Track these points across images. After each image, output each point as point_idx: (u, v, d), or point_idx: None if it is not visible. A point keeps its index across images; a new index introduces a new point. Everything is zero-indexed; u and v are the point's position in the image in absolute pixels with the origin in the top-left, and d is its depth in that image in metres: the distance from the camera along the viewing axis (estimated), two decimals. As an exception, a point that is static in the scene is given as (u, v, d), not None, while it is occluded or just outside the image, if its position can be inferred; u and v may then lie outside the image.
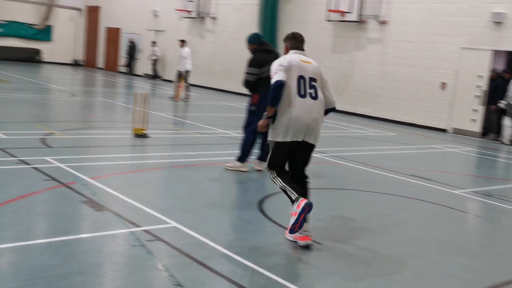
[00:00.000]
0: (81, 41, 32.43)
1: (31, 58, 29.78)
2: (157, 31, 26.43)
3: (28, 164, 6.58)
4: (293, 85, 4.70)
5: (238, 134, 7.63)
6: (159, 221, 4.94)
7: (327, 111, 4.98)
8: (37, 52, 30.32)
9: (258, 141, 7.65)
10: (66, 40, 31.70)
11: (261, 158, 7.66)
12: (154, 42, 25.67)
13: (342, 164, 8.76)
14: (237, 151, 7.59)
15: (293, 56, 4.89)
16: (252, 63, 7.36)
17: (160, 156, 8.21)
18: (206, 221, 5.13)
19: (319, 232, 5.02)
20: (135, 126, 9.43)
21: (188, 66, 17.26)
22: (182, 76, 17.08)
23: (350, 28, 17.64)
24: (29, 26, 30.40)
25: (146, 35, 27.05)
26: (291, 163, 4.89)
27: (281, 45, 19.56)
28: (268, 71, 6.94)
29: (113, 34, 29.54)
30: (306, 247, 4.61)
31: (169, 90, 20.07)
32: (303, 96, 4.72)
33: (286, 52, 5.04)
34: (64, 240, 4.26)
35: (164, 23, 25.94)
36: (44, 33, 30.95)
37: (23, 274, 3.57)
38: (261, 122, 4.83)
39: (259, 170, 7.59)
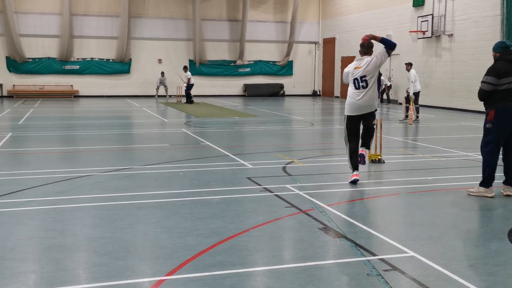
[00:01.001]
0: (318, 73, 34.04)
1: (276, 92, 32.32)
2: (391, 55, 26.23)
3: (271, 191, 7.06)
4: (351, 82, 7.70)
5: (481, 156, 7.04)
6: (396, 250, 4.80)
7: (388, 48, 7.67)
8: (280, 86, 32.79)
9: (501, 163, 6.95)
10: (305, 73, 33.65)
11: (509, 182, 6.93)
12: (380, 74, 25.62)
13: None
14: (480, 175, 7.00)
15: (351, 65, 7.86)
16: (490, 72, 6.72)
17: (396, 181, 8.03)
18: (447, 251, 4.82)
19: None
20: (370, 152, 9.42)
21: (416, 87, 16.90)
22: (411, 98, 16.76)
23: None
24: (273, 63, 33.10)
25: (380, 60, 27.06)
26: (355, 131, 7.78)
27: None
28: (509, 83, 6.37)
29: (348, 63, 30.20)
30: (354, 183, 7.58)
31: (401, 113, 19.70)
32: (356, 87, 7.64)
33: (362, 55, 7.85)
34: (302, 266, 4.43)
35: (398, 46, 25.57)
36: (285, 68, 33.39)
37: (266, 297, 3.80)
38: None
39: (508, 195, 6.87)
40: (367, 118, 7.71)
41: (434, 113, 20.32)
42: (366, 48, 7.74)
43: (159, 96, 29.22)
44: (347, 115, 7.75)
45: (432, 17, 22.67)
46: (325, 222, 5.64)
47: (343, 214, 5.95)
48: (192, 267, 4.36)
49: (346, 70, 7.96)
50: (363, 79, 7.57)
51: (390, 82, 25.70)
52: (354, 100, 7.62)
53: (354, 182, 7.57)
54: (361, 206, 6.55)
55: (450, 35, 22.07)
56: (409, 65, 17.54)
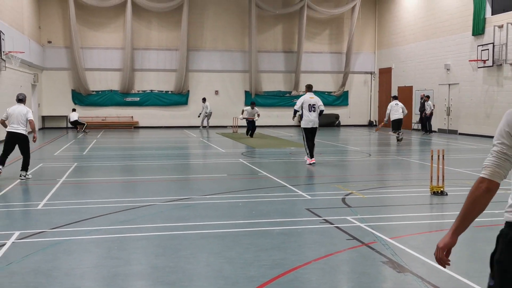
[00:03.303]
0: (374, 103, 33.75)
1: (331, 122, 32.17)
2: (450, 84, 25.77)
3: (331, 223, 7.01)
4: (306, 108, 13.31)
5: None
6: (464, 286, 4.65)
7: (320, 113, 13.49)
8: (336, 117, 32.64)
9: None
10: (360, 103, 33.48)
11: None
12: (425, 98, 25.29)
13: None
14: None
15: (306, 96, 13.54)
16: None
17: (461, 215, 7.78)
18: (519, 289, 4.61)
19: None
20: (432, 184, 9.22)
21: (394, 116, 20.02)
22: (383, 122, 21.43)
23: None
24: (328, 94, 33.09)
25: (439, 90, 26.61)
26: (311, 136, 13.47)
27: None
28: None
29: (405, 92, 29.90)
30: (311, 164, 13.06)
31: (464, 144, 19.19)
32: (310, 111, 13.34)
33: (306, 91, 13.81)
34: (367, 300, 4.35)
35: (457, 75, 25.17)
36: (341, 98, 33.31)
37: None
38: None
39: None
40: (315, 131, 13.61)
41: (497, 144, 19.66)
42: (310, 89, 13.85)
43: (204, 127, 29.41)
44: (305, 128, 13.54)
45: (493, 46, 22.16)
46: (389, 255, 5.54)
47: (407, 247, 5.82)
48: (256, 298, 4.37)
49: (302, 99, 13.51)
50: (314, 106, 13.41)
51: (431, 107, 25.20)
52: (310, 118, 13.40)
53: (312, 164, 13.18)
54: (425, 239, 6.39)
55: (512, 64, 21.48)
56: (393, 98, 21.46)
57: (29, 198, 9.14)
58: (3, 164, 11.23)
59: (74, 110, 27.95)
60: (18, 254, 5.67)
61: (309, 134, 13.47)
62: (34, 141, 11.50)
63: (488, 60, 22.41)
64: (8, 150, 11.24)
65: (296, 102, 13.84)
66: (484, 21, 23.07)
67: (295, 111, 13.87)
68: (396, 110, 20.05)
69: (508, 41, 21.64)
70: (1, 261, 5.43)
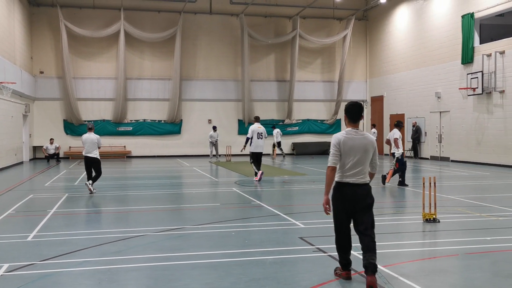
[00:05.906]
0: (367, 130, 33.91)
1: (324, 150, 32.26)
2: (441, 112, 26.00)
3: (324, 252, 6.97)
4: (256, 135, 16.66)
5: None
6: (457, 315, 4.61)
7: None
8: (329, 144, 32.61)
9: None
10: (353, 131, 33.53)
11: None
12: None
13: None
14: (544, 236, 6.72)
15: (255, 126, 16.92)
16: None
17: (453, 242, 7.78)
18: (512, 317, 4.59)
19: None
20: (424, 211, 9.22)
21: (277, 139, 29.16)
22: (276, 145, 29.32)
23: None
24: (321, 122, 33.27)
25: (430, 118, 26.82)
26: (258, 159, 16.87)
27: None
28: None
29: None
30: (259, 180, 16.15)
31: (456, 171, 19.24)
32: (258, 138, 16.71)
33: (255, 122, 17.43)
34: (360, 330, 4.31)
35: (448, 103, 25.42)
36: (334, 126, 33.50)
37: None
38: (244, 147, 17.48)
39: None
40: (261, 155, 16.77)
41: (488, 171, 19.77)
42: (258, 120, 17.38)
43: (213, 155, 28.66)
44: (253, 152, 16.59)
45: (482, 74, 22.46)
46: (382, 284, 5.50)
47: (400, 275, 5.79)
48: (248, 329, 4.31)
49: (252, 128, 16.70)
50: (262, 134, 16.63)
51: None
52: (258, 144, 16.55)
53: (261, 179, 16.29)
54: (417, 267, 6.36)
55: (502, 92, 21.72)
56: (273, 127, 29.69)
57: (18, 230, 9.04)
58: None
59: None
60: (7, 287, 5.59)
61: (256, 158, 16.68)
62: None
63: (477, 88, 22.67)
64: (89, 172, 13.86)
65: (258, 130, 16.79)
66: (473, 50, 23.43)
67: (248, 139, 16.70)
68: (277, 134, 28.92)
69: (497, 69, 21.95)
70: (-11, 294, 5.35)
